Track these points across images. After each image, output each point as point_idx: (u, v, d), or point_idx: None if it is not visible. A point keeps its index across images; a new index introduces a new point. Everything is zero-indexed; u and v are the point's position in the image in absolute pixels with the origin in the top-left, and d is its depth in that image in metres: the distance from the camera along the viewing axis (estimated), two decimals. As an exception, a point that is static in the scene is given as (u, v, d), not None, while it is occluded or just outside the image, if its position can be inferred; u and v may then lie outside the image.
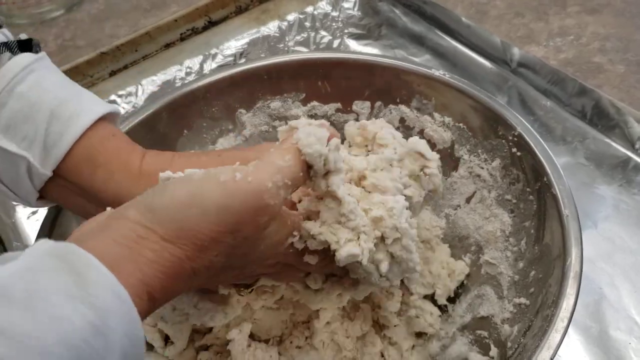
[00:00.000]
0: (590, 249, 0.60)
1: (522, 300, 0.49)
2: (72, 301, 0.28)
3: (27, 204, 0.50)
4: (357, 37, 0.89)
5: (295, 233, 0.40)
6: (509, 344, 0.47)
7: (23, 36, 0.48)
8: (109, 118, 0.49)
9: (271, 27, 0.92)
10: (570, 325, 0.54)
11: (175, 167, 0.45)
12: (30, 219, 0.71)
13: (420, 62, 0.83)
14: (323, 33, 0.91)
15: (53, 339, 0.26)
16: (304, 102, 0.64)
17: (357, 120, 0.63)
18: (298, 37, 0.91)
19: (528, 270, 0.50)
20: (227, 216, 0.35)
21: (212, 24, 0.95)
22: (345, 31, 0.90)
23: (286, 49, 0.89)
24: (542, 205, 0.50)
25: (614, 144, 0.70)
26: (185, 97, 0.61)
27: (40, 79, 0.47)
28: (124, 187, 0.46)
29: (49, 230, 0.52)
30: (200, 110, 0.62)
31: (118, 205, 0.37)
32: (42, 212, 0.53)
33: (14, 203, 0.72)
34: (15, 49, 0.47)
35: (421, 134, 0.60)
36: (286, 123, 0.63)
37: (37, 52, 0.49)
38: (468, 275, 0.55)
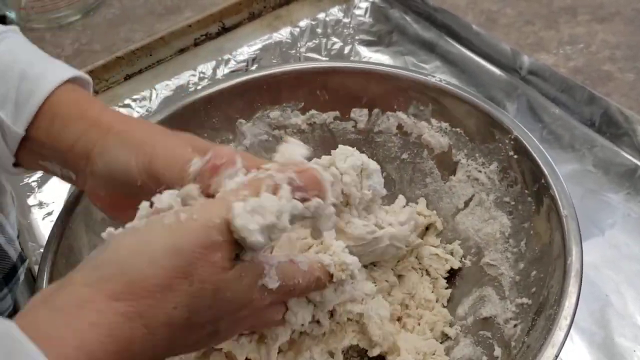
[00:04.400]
0: (597, 255, 0.61)
1: (524, 300, 0.49)
2: None
3: (5, 171, 0.50)
4: (367, 43, 0.90)
5: (265, 272, 0.37)
6: (513, 344, 0.48)
7: None
8: (79, 83, 0.49)
9: (283, 33, 0.94)
10: (576, 331, 0.56)
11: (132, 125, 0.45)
12: (45, 220, 0.73)
13: (430, 68, 0.84)
14: (334, 39, 0.92)
15: None
16: (303, 110, 0.65)
17: (355, 127, 0.64)
18: (310, 44, 0.92)
19: (529, 271, 0.50)
20: (176, 258, 0.33)
21: (225, 30, 0.96)
22: (357, 38, 0.91)
23: (298, 55, 0.91)
24: (540, 207, 0.51)
25: (622, 152, 0.70)
26: (186, 109, 0.62)
27: (12, 45, 0.48)
28: (74, 135, 0.45)
29: (59, 235, 0.53)
30: (201, 122, 0.64)
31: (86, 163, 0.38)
32: (57, 214, 0.55)
33: (30, 204, 0.74)
34: None
35: (419, 139, 0.61)
36: (285, 132, 0.65)
37: (10, 24, 0.51)
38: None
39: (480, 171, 0.57)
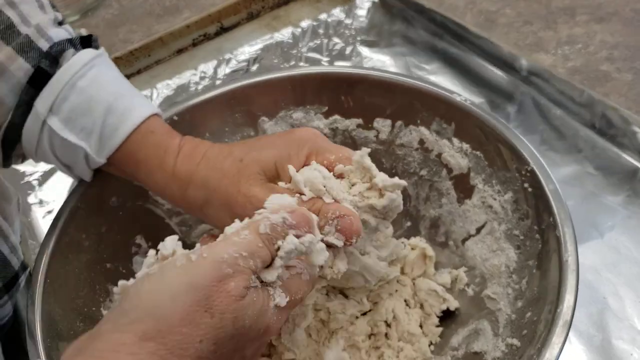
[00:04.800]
0: (596, 258, 0.62)
1: (515, 341, 0.49)
2: None
3: (82, 178, 0.55)
4: (369, 44, 0.91)
5: (272, 293, 0.39)
6: None
7: (83, 32, 0.51)
8: (155, 116, 0.52)
9: (284, 34, 0.94)
10: (574, 334, 0.57)
11: (199, 173, 0.49)
12: (45, 218, 0.73)
13: (430, 69, 0.85)
14: (336, 40, 0.92)
15: None
16: (326, 115, 0.64)
17: (377, 137, 0.64)
18: (311, 44, 0.92)
19: (525, 311, 0.50)
20: (195, 293, 0.35)
21: (224, 30, 0.97)
22: (358, 38, 0.92)
23: (299, 55, 0.91)
24: (545, 246, 0.51)
25: (623, 153, 0.71)
26: (209, 102, 0.62)
27: (99, 74, 0.50)
28: (160, 184, 0.51)
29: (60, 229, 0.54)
30: (224, 116, 0.63)
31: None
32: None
33: (30, 202, 0.75)
34: (78, 45, 0.51)
35: (439, 157, 0.61)
36: None
37: (96, 47, 0.52)
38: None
39: (495, 199, 0.57)
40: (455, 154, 0.59)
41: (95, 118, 0.49)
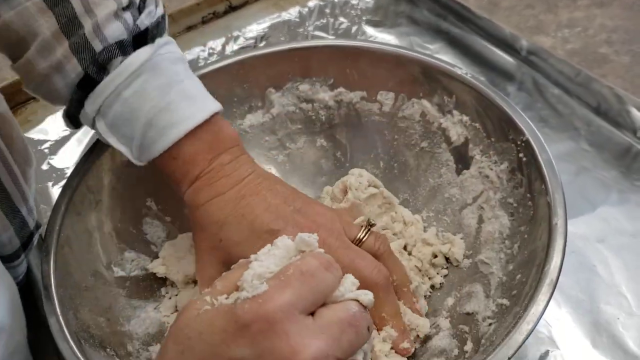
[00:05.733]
0: (587, 229, 0.64)
1: (504, 301, 0.51)
2: None
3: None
4: (374, 24, 0.93)
5: None
6: (483, 341, 0.49)
7: (142, 24, 0.52)
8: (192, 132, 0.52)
9: (292, 12, 0.96)
10: (563, 298, 0.59)
11: (194, 215, 0.52)
12: (55, 186, 0.76)
13: (434, 49, 0.87)
14: (342, 19, 0.94)
15: None
16: (332, 87, 0.66)
17: (380, 110, 0.66)
18: (317, 23, 0.94)
19: (515, 273, 0.52)
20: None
21: (232, 9, 0.99)
22: (363, 18, 0.94)
23: (306, 33, 0.93)
24: (536, 212, 0.53)
25: (617, 131, 0.73)
26: (218, 72, 0.64)
27: (144, 83, 0.50)
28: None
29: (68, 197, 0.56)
30: (232, 86, 0.65)
31: None
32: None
33: (43, 169, 0.78)
34: (129, 48, 0.50)
35: (440, 129, 0.63)
36: (313, 106, 0.67)
37: (153, 39, 0.52)
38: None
39: (492, 169, 0.59)
40: (456, 126, 0.62)
41: (136, 129, 0.51)
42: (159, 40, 0.52)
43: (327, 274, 0.35)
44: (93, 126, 0.53)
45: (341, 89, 0.66)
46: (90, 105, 0.51)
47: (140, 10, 0.52)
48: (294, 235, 0.38)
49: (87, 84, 0.50)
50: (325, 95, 0.66)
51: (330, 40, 0.85)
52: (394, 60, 0.63)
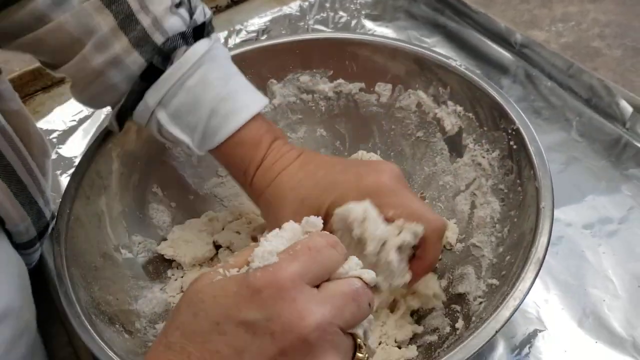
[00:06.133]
0: (577, 216, 0.67)
1: (494, 281, 0.53)
2: None
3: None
4: (373, 18, 0.96)
5: None
6: (473, 318, 0.52)
7: (199, 19, 0.55)
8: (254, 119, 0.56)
9: (292, 7, 0.99)
10: (552, 281, 0.61)
11: (266, 196, 0.54)
12: (63, 175, 0.78)
13: (431, 42, 0.89)
14: (341, 13, 0.97)
15: None
16: (331, 78, 0.69)
17: (378, 100, 0.68)
18: (318, 17, 0.97)
19: (505, 255, 0.54)
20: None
21: (234, 3, 1.01)
22: (362, 12, 0.96)
23: (306, 27, 0.95)
24: (525, 197, 0.55)
25: (607, 122, 0.75)
26: None
27: (207, 73, 0.54)
28: (243, 185, 0.58)
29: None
30: None
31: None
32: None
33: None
34: (190, 39, 0.54)
35: (435, 119, 0.65)
36: (313, 97, 0.69)
37: (209, 33, 0.56)
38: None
39: (484, 157, 0.61)
40: (450, 116, 0.64)
41: (200, 118, 0.53)
42: (213, 35, 0.56)
43: (332, 250, 0.37)
44: (149, 120, 0.55)
45: (340, 81, 0.69)
46: (153, 96, 0.53)
47: (191, 7, 0.55)
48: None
49: (151, 74, 0.52)
50: (325, 86, 0.69)
51: (330, 33, 0.88)
52: (391, 53, 0.66)
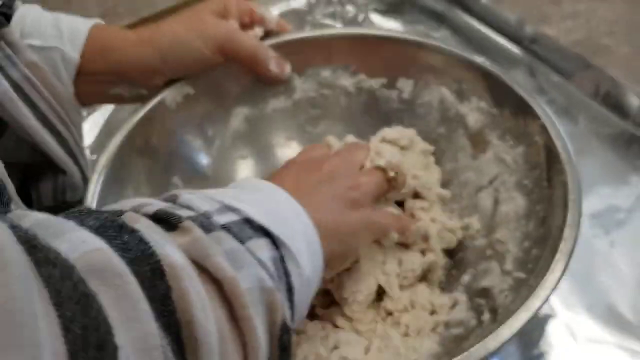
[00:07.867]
0: (585, 205, 0.67)
1: (520, 274, 0.52)
2: None
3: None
4: (381, 12, 0.97)
5: None
6: (500, 310, 0.51)
7: None
8: None
9: (300, 1, 1.00)
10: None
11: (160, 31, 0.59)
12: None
13: (439, 37, 0.90)
14: (349, 8, 0.98)
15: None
16: (352, 74, 0.69)
17: (399, 97, 0.68)
18: (325, 11, 0.98)
19: (531, 249, 0.54)
20: None
21: (240, -3, 1.01)
22: (370, 7, 0.97)
23: (314, 21, 0.97)
24: (553, 191, 0.55)
25: (615, 117, 0.77)
26: None
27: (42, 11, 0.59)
28: (130, 55, 0.59)
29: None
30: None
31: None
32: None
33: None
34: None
35: (457, 116, 0.65)
36: (334, 92, 0.69)
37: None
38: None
39: (508, 153, 0.61)
40: (473, 112, 0.64)
41: (59, 25, 0.58)
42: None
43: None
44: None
45: (362, 76, 0.69)
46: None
47: None
48: None
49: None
50: (346, 82, 0.69)
51: (351, 28, 0.89)
52: (414, 49, 0.66)
